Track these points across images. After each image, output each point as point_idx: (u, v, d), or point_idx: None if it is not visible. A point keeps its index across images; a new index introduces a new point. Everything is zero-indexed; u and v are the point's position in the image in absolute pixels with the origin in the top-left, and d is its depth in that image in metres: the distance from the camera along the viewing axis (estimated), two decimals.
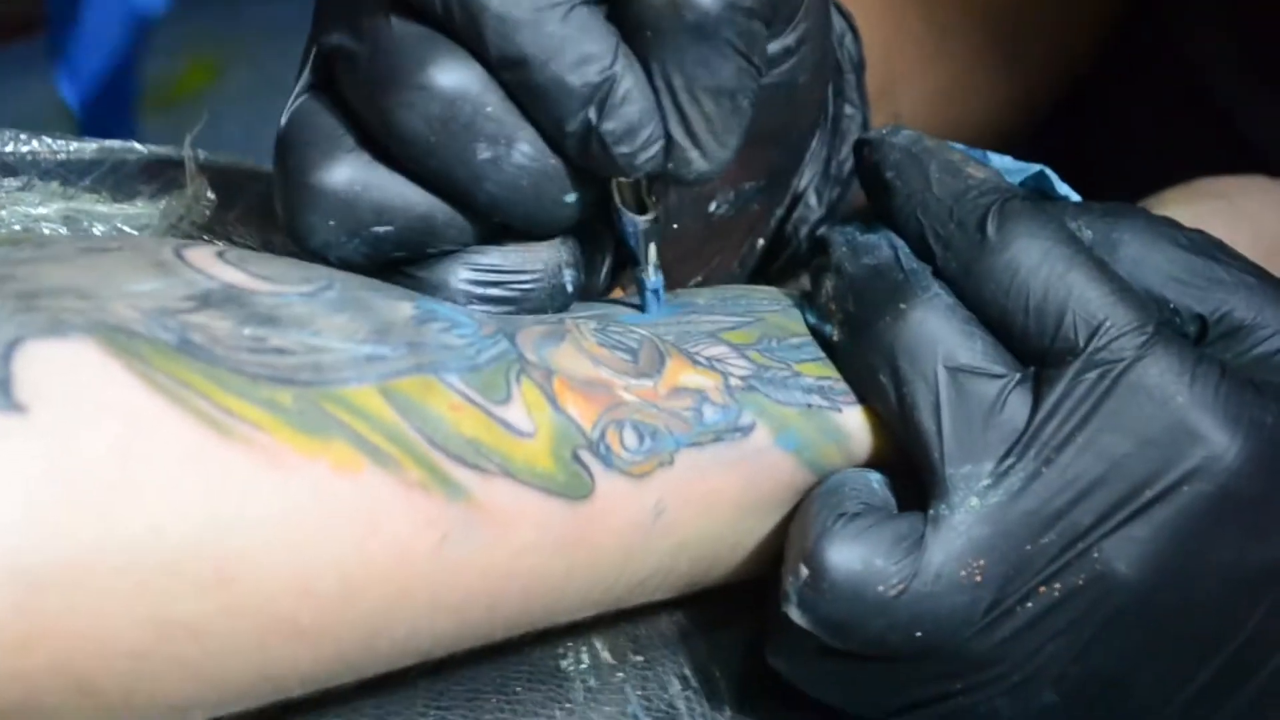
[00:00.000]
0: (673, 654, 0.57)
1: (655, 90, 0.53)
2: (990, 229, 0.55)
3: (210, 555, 0.47)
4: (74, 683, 0.46)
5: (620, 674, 0.56)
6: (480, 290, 0.54)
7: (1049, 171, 0.59)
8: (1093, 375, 0.53)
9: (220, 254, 0.52)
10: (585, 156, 0.53)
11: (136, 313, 0.49)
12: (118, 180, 0.63)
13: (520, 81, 0.52)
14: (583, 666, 0.56)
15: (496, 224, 0.54)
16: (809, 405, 0.55)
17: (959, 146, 0.58)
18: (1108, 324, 0.53)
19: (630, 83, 0.52)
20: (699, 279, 0.64)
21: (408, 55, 0.52)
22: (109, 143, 0.64)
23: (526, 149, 0.52)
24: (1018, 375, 0.54)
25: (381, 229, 0.53)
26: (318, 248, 0.53)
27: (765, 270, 0.67)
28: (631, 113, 0.52)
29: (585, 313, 0.56)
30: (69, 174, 0.63)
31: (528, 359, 0.53)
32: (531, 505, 0.51)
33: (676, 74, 0.53)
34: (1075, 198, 0.59)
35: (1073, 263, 0.54)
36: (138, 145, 0.64)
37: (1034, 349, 0.54)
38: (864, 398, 0.56)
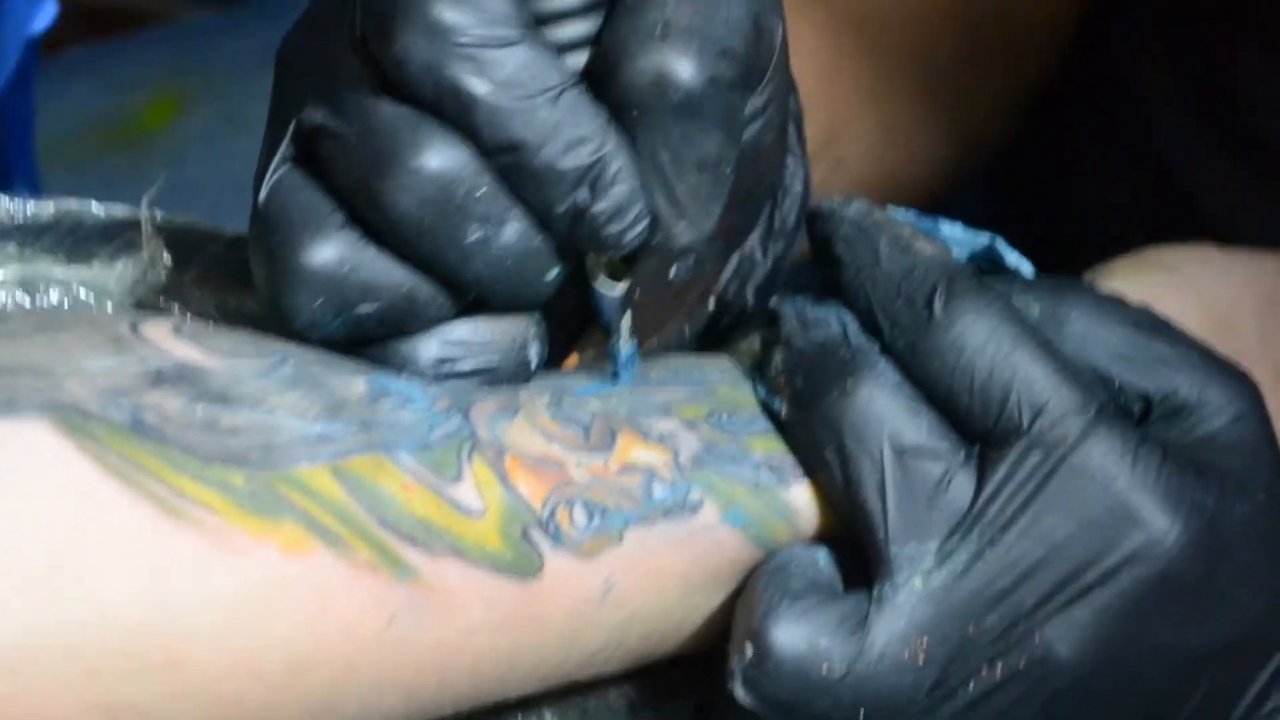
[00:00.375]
0: None
1: (641, 167, 0.53)
2: (937, 306, 0.55)
3: (160, 639, 0.47)
4: None
5: None
6: (447, 366, 0.54)
7: (1000, 241, 0.59)
8: (1036, 456, 0.53)
9: (176, 329, 0.53)
10: (573, 236, 0.53)
11: (90, 391, 0.49)
12: (75, 242, 0.63)
13: (512, 165, 0.52)
14: None
15: (473, 299, 0.54)
16: (757, 483, 0.55)
17: (910, 216, 0.58)
18: (1051, 405, 0.53)
19: (620, 162, 0.52)
20: (653, 342, 0.64)
21: (399, 138, 0.51)
22: (66, 204, 0.64)
23: (515, 228, 0.52)
24: (963, 454, 0.54)
25: (366, 308, 0.52)
26: (303, 327, 0.52)
27: (713, 328, 0.67)
28: (621, 192, 0.52)
29: (540, 384, 0.56)
30: (26, 236, 0.62)
31: (480, 436, 0.53)
32: (480, 584, 0.51)
33: (663, 151, 0.53)
34: (1027, 266, 0.60)
35: (1018, 342, 0.54)
36: (95, 206, 0.64)
37: (979, 428, 0.54)
38: (812, 473, 0.56)
